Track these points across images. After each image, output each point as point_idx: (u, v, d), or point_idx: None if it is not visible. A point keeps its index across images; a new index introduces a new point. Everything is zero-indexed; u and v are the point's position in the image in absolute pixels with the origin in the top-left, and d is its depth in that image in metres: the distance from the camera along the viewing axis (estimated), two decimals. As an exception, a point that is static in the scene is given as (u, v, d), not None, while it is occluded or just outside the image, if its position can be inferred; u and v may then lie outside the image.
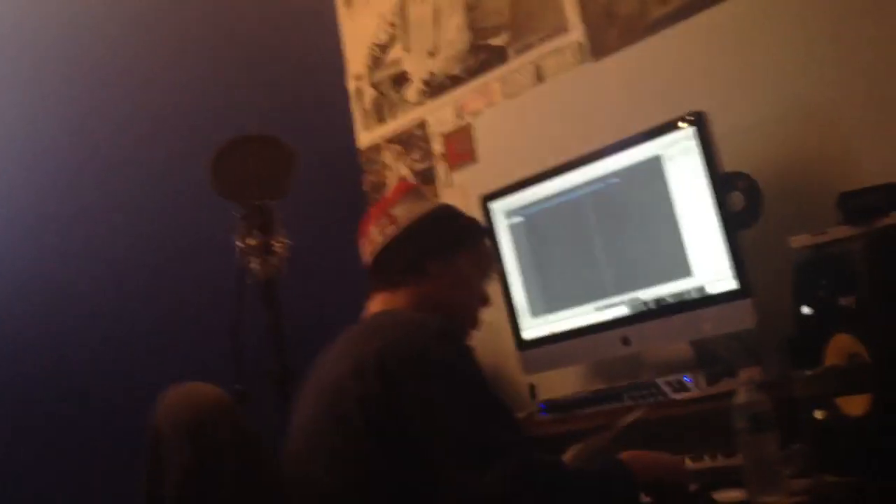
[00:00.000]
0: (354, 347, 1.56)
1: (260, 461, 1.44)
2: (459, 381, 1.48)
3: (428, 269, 1.72)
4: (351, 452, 1.48)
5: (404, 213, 1.77)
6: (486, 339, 2.63)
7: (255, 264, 2.23)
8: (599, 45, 2.58)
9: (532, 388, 2.45)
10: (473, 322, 1.79)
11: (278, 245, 2.27)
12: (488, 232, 1.94)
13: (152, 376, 2.45)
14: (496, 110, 2.86)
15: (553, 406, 2.28)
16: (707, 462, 1.75)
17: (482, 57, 2.89)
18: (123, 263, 2.65)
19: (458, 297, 1.75)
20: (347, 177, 3.25)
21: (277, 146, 2.32)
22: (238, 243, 2.23)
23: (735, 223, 2.03)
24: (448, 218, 1.81)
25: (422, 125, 3.08)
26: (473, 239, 1.82)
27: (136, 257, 2.67)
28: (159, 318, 2.65)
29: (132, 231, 2.68)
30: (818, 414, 1.54)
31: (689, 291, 2.09)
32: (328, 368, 1.59)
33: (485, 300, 1.81)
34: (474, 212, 2.68)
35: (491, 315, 2.57)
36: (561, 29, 2.67)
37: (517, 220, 2.45)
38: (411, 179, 3.10)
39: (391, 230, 1.76)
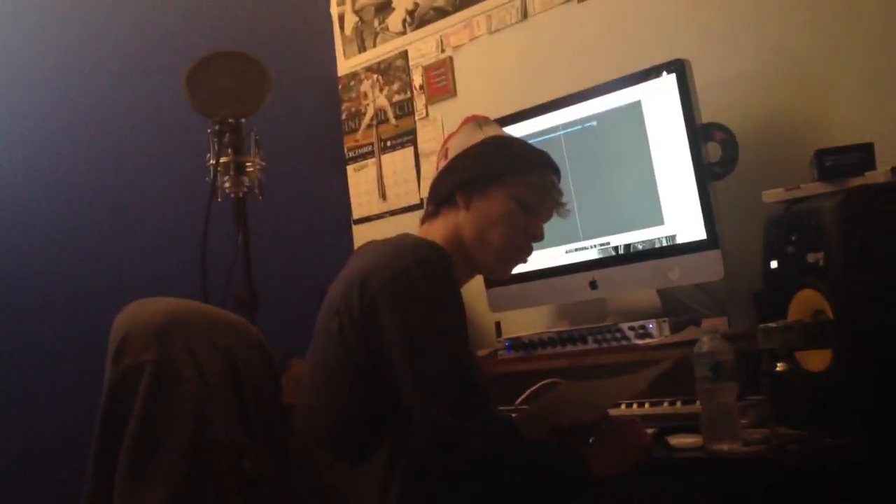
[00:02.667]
0: (348, 270, 1.56)
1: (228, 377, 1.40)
2: (433, 311, 1.47)
3: (458, 200, 1.70)
4: (337, 380, 1.49)
5: (456, 145, 1.77)
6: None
7: (227, 183, 2.21)
8: (586, -15, 2.55)
9: (498, 325, 2.46)
10: (501, 262, 1.71)
11: (251, 165, 2.26)
12: (547, 165, 1.76)
13: (119, 293, 2.46)
14: (478, 45, 2.83)
15: (517, 344, 2.30)
16: (666, 407, 1.77)
17: (468, -11, 2.85)
18: (93, 175, 2.60)
19: (489, 234, 1.68)
20: (325, 103, 3.22)
21: (252, 63, 2.29)
22: (210, 160, 2.21)
23: (709, 174, 2.03)
24: (493, 149, 1.75)
25: (403, 56, 3.04)
26: (519, 171, 1.71)
27: (107, 171, 2.63)
28: (128, 233, 2.62)
29: (105, 144, 2.64)
30: (779, 367, 1.56)
31: (658, 239, 2.10)
32: (331, 290, 1.58)
33: (530, 238, 1.72)
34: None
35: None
36: (549, -34, 2.64)
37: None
38: (389, 109, 3.07)
39: (442, 163, 1.77)
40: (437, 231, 1.71)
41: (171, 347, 1.39)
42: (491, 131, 1.79)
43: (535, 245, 1.74)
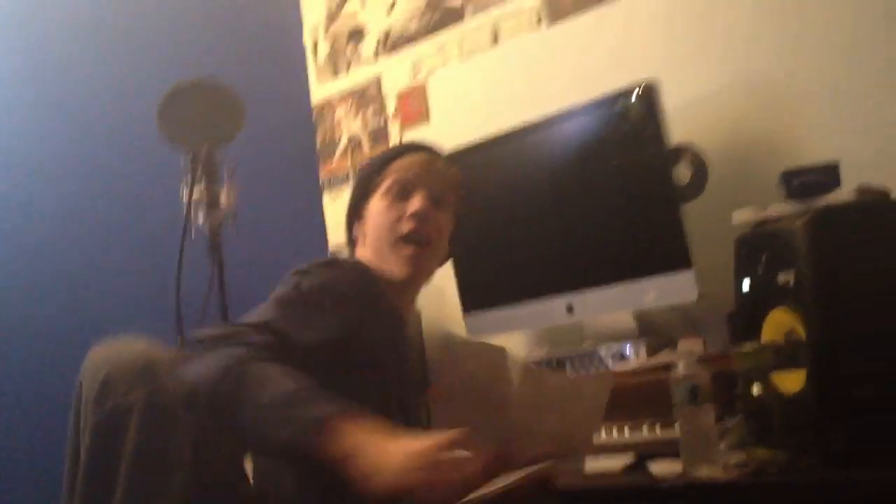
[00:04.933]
0: None
1: (165, 428, 1.37)
2: (294, 293, 1.49)
3: (356, 238, 1.72)
4: None
5: None
6: (432, 302, 2.66)
7: (201, 214, 2.21)
8: (555, 11, 2.57)
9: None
10: (398, 269, 1.62)
11: (225, 196, 2.25)
12: (403, 151, 1.73)
13: (92, 328, 2.44)
14: (451, 70, 2.84)
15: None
16: (645, 432, 1.77)
17: (439, 15, 2.86)
18: (65, 209, 2.59)
19: (370, 245, 1.66)
20: (300, 131, 3.21)
21: (224, 93, 2.29)
22: (184, 191, 2.21)
23: (680, 195, 2.04)
24: (360, 170, 1.78)
25: (376, 82, 3.05)
26: (369, 180, 1.70)
27: (79, 204, 2.61)
28: (101, 266, 2.60)
29: (77, 177, 2.62)
30: (755, 389, 1.57)
31: (632, 261, 2.11)
32: None
33: (410, 219, 1.63)
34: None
35: (437, 277, 2.61)
36: (518, -10, 2.66)
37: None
38: (363, 136, 3.07)
39: None
40: None
41: (159, 385, 1.39)
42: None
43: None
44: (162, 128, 2.24)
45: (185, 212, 2.20)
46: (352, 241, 1.74)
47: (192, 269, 2.17)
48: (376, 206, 1.67)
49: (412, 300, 1.73)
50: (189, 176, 2.23)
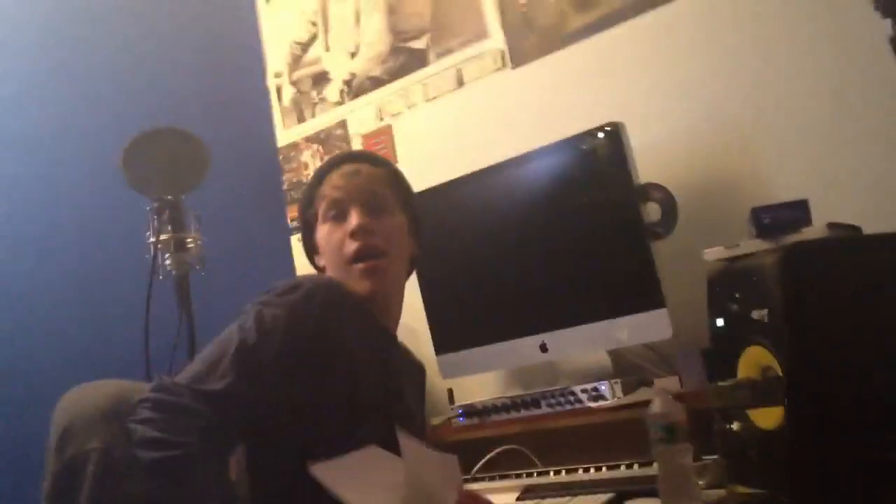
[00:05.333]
0: None
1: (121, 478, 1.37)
2: (247, 327, 1.48)
3: (317, 266, 1.72)
4: None
5: None
6: (406, 342, 2.64)
7: (168, 260, 2.19)
8: (519, 53, 2.60)
9: (450, 392, 2.45)
10: (354, 279, 1.61)
11: (192, 241, 2.24)
12: (324, 170, 1.71)
13: (61, 374, 2.39)
14: (416, 113, 2.85)
15: (471, 411, 2.29)
16: (623, 471, 1.77)
17: (403, 59, 2.88)
18: (31, 257, 2.55)
19: (333, 271, 1.65)
20: (266, 174, 3.20)
21: (189, 140, 2.28)
22: (150, 238, 2.19)
23: (650, 233, 2.06)
24: (298, 212, 1.78)
25: (342, 125, 3.06)
26: (311, 201, 1.70)
27: (44, 251, 2.57)
28: (70, 313, 2.56)
29: (41, 224, 2.58)
30: (732, 426, 1.57)
31: (605, 300, 2.12)
32: None
33: (351, 237, 1.61)
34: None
35: (410, 319, 2.59)
36: (481, 35, 2.68)
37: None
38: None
39: None
40: None
41: (117, 434, 1.37)
42: None
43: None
44: (126, 175, 2.23)
45: (151, 258, 2.18)
46: (320, 272, 1.72)
47: (161, 312, 2.14)
48: (321, 233, 1.67)
49: (392, 317, 1.70)
50: (155, 222, 2.21)
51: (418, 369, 1.84)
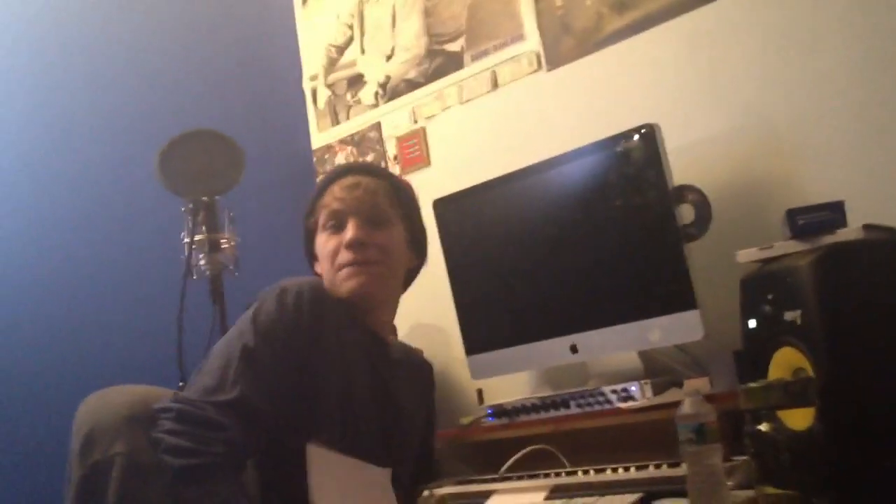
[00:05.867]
0: None
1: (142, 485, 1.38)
2: (246, 331, 1.52)
3: (315, 272, 1.75)
4: None
5: None
6: (436, 343, 2.65)
7: (202, 260, 2.21)
8: (554, 56, 2.59)
9: (480, 392, 2.45)
10: (338, 284, 1.66)
11: (226, 242, 2.26)
12: (327, 181, 1.76)
13: (95, 372, 2.42)
14: (450, 115, 2.86)
15: (500, 411, 2.28)
16: (652, 471, 1.75)
17: (438, 62, 2.89)
18: (67, 256, 2.59)
19: (326, 278, 1.69)
20: (300, 176, 3.22)
21: (225, 142, 2.31)
22: (185, 239, 2.21)
23: (684, 235, 2.05)
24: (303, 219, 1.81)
25: (376, 127, 3.07)
26: (312, 211, 1.74)
27: (80, 250, 2.61)
28: (102, 313, 2.59)
29: (78, 223, 2.63)
30: (762, 427, 1.56)
31: (637, 301, 2.11)
32: None
33: (346, 249, 1.65)
34: (426, 215, 2.69)
35: (441, 320, 2.60)
36: (517, 37, 2.68)
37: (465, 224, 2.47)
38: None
39: None
40: None
41: (140, 439, 1.38)
42: None
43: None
44: (162, 176, 2.25)
45: (185, 258, 2.20)
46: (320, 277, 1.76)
47: (194, 312, 2.17)
48: (319, 241, 1.71)
49: (380, 321, 1.74)
50: (189, 222, 2.23)
51: (420, 368, 1.86)
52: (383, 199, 1.71)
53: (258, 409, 1.46)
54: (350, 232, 1.65)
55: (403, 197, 1.77)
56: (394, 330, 1.86)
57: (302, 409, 1.52)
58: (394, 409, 1.69)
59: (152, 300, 2.49)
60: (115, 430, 1.40)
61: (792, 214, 1.67)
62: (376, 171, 1.81)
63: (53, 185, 2.61)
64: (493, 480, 1.98)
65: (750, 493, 1.55)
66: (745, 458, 1.62)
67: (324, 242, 1.69)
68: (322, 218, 1.70)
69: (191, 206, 2.24)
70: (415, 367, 1.85)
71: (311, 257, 1.76)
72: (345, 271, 1.64)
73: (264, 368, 1.49)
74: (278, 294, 1.57)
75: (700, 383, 1.95)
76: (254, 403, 1.46)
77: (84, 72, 2.76)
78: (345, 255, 1.64)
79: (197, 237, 2.22)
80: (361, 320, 1.68)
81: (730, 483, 1.58)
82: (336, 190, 1.70)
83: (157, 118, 2.77)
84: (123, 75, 2.83)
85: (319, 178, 1.81)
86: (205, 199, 2.24)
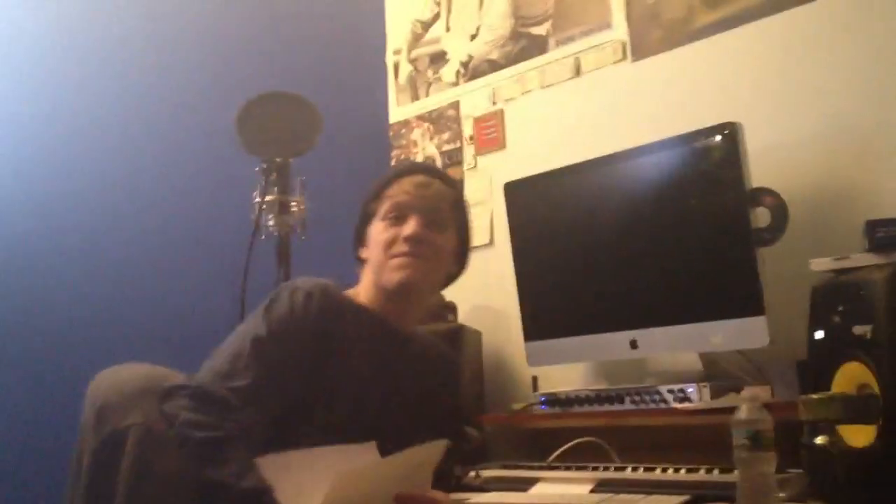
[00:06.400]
0: None
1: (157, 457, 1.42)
2: (258, 323, 1.58)
3: (361, 259, 1.78)
4: None
5: None
6: (494, 326, 2.65)
7: (271, 221, 2.24)
8: (641, 46, 2.55)
9: (535, 379, 2.44)
10: (386, 273, 1.69)
11: (296, 205, 2.28)
12: (395, 174, 1.78)
13: (159, 326, 2.48)
14: (530, 99, 2.83)
15: (553, 400, 2.27)
16: (702, 475, 1.72)
17: (522, 44, 2.87)
18: (139, 210, 2.65)
19: (370, 264, 1.74)
20: (375, 148, 3.23)
21: (304, 106, 2.33)
22: (256, 199, 2.24)
23: (757, 239, 2.00)
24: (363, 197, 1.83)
25: (454, 106, 3.06)
26: (374, 200, 1.77)
27: (156, 202, 2.68)
28: (171, 267, 2.65)
29: (151, 178, 2.68)
30: (820, 440, 1.52)
31: (703, 302, 2.07)
32: None
33: (404, 242, 1.68)
34: (496, 198, 2.68)
35: (503, 304, 2.59)
36: (604, 25, 2.65)
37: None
38: (438, 158, 3.08)
39: None
40: (359, 286, 1.78)
41: (153, 412, 1.42)
42: None
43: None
44: (239, 135, 2.28)
45: (255, 217, 2.23)
46: (360, 262, 1.80)
47: (259, 273, 2.19)
48: (375, 228, 1.74)
49: (407, 318, 1.77)
50: (262, 182, 2.26)
51: (440, 361, 1.87)
52: (446, 206, 1.76)
53: (268, 397, 1.52)
54: (411, 227, 1.69)
55: (462, 208, 1.83)
56: (420, 321, 1.90)
57: (305, 403, 1.57)
58: (400, 397, 1.72)
59: (219, 257, 2.53)
60: (129, 402, 1.44)
61: (871, 226, 1.62)
62: (446, 178, 1.85)
63: (138, 135, 2.67)
64: (540, 468, 1.96)
65: (801, 505, 1.51)
66: (799, 471, 1.58)
67: (380, 231, 1.72)
68: (385, 207, 1.73)
69: (265, 166, 2.26)
70: (435, 360, 1.86)
71: (360, 240, 1.79)
72: (397, 261, 1.68)
73: (273, 360, 1.55)
74: (290, 293, 1.63)
75: (760, 390, 1.91)
76: (264, 392, 1.51)
77: (178, 30, 2.83)
78: (400, 247, 1.68)
79: (268, 198, 2.25)
80: (383, 317, 1.72)
81: (781, 495, 1.55)
82: (406, 184, 1.74)
83: (241, 78, 2.81)
84: (211, 34, 2.89)
85: (391, 168, 1.82)
86: (279, 160, 2.26)
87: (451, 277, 1.84)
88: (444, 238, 1.74)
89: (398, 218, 1.71)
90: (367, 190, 1.81)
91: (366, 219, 1.77)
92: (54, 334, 2.45)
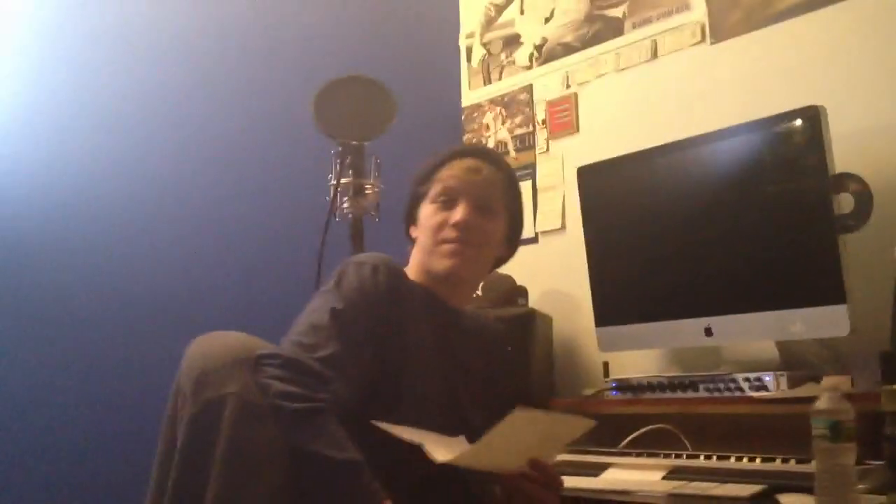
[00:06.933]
0: None
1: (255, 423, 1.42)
2: (331, 297, 1.58)
3: (411, 237, 1.80)
4: None
5: None
6: (566, 311, 2.64)
7: (346, 203, 2.25)
8: (720, 28, 2.50)
9: (606, 365, 2.42)
10: (434, 257, 1.70)
11: (370, 188, 2.29)
12: (449, 156, 1.78)
13: (234, 305, 2.53)
14: (605, 82, 2.80)
15: (625, 386, 2.25)
16: (778, 464, 1.70)
17: (597, 27, 2.84)
18: (216, 190, 2.70)
19: (419, 246, 1.74)
20: (448, 132, 3.24)
21: (378, 89, 2.34)
22: (332, 181, 2.26)
23: (841, 226, 1.96)
24: (411, 183, 1.83)
25: (527, 90, 3.05)
26: (425, 180, 1.76)
27: (234, 183, 2.73)
28: (247, 248, 2.70)
29: (228, 159, 2.73)
30: (903, 431, 1.48)
31: (782, 290, 2.03)
32: None
33: (453, 228, 1.68)
34: (569, 182, 2.67)
35: (574, 289, 2.58)
36: (682, 7, 2.60)
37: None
38: (510, 142, 3.07)
39: None
40: (408, 266, 1.78)
41: (249, 381, 1.43)
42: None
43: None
44: (316, 118, 2.30)
45: (330, 199, 2.25)
46: (411, 241, 1.81)
47: (335, 256, 2.21)
48: (425, 210, 1.74)
49: (460, 298, 1.79)
50: (338, 165, 2.28)
51: (490, 332, 1.86)
52: (497, 191, 1.75)
53: (353, 367, 1.52)
54: (460, 213, 1.69)
55: (514, 192, 1.82)
56: (470, 300, 1.92)
57: (383, 376, 1.58)
58: (462, 372, 1.72)
59: (295, 239, 2.56)
60: (226, 371, 1.44)
61: (960, 214, 1.57)
62: (497, 161, 1.83)
63: (215, 119, 2.72)
64: (612, 454, 1.95)
65: (882, 499, 1.47)
66: (880, 462, 1.54)
67: (430, 214, 1.72)
68: (436, 189, 1.73)
69: (340, 149, 2.28)
70: (486, 332, 1.85)
71: (410, 220, 1.81)
72: (446, 247, 1.69)
73: (353, 331, 1.55)
74: (357, 266, 1.63)
75: (840, 381, 1.86)
76: (349, 362, 1.52)
77: (258, 14, 2.87)
78: (449, 233, 1.69)
79: (343, 180, 2.26)
80: (435, 293, 1.72)
81: (861, 486, 1.51)
82: (456, 168, 1.74)
83: (318, 61, 2.83)
84: (290, 18, 2.92)
85: (443, 150, 1.81)
86: (354, 143, 2.28)
87: (500, 261, 1.85)
88: (493, 224, 1.74)
89: (447, 202, 1.71)
90: (418, 171, 1.81)
91: (416, 199, 1.78)
92: (145, 308, 2.53)
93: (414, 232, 1.79)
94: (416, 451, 1.49)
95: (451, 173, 1.73)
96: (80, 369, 2.44)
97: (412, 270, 1.76)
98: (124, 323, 2.51)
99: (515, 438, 1.48)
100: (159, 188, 2.63)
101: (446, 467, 1.44)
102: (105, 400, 2.43)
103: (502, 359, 1.87)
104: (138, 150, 2.62)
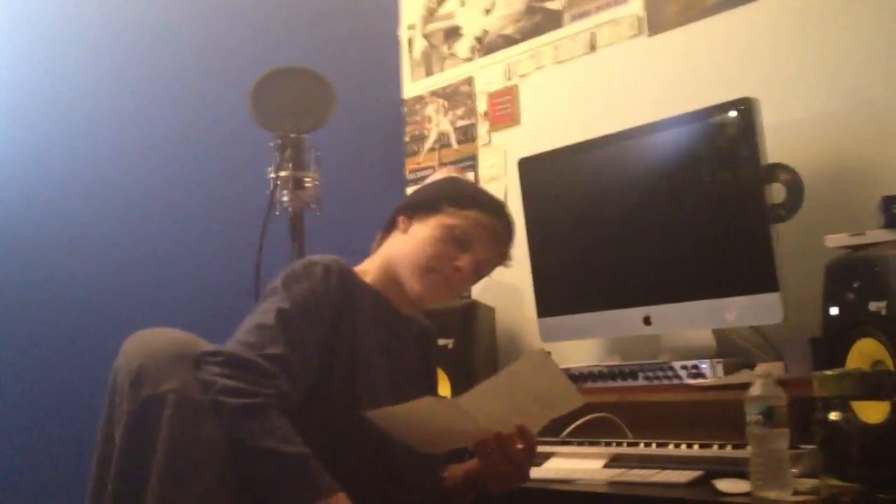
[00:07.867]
0: None
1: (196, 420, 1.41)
2: (278, 298, 1.57)
3: (399, 222, 1.77)
4: None
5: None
6: (508, 302, 2.65)
7: (285, 196, 2.24)
8: (657, 21, 2.53)
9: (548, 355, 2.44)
10: (420, 283, 1.71)
11: (310, 181, 2.28)
12: (493, 210, 1.77)
13: (173, 301, 2.50)
14: (544, 74, 2.82)
15: (566, 375, 2.26)
16: (715, 450, 1.73)
17: (537, 19, 2.85)
18: (152, 184, 2.67)
19: (416, 253, 1.72)
20: (389, 124, 3.23)
21: (317, 80, 2.33)
22: (271, 174, 2.24)
23: (772, 215, 1.99)
24: (443, 183, 1.85)
25: (469, 82, 3.05)
26: (459, 204, 1.73)
27: (172, 177, 2.69)
28: (184, 242, 2.66)
29: (164, 152, 2.69)
30: (833, 416, 1.52)
31: (717, 279, 2.07)
32: None
33: (455, 270, 1.70)
34: (511, 174, 2.68)
35: (516, 280, 2.60)
36: (620, 0, 2.63)
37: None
38: (452, 134, 3.07)
39: None
40: (374, 257, 1.79)
41: (188, 378, 1.42)
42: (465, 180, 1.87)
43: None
44: (254, 110, 2.28)
45: (269, 192, 2.23)
46: (390, 225, 1.80)
47: (273, 248, 2.20)
48: (434, 226, 1.72)
49: (415, 310, 1.82)
50: (277, 158, 2.26)
51: (424, 333, 1.87)
52: (498, 260, 1.81)
53: (297, 366, 1.51)
54: (464, 262, 1.70)
55: (508, 255, 1.85)
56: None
57: (335, 377, 1.58)
58: (403, 373, 1.73)
59: (234, 231, 2.54)
60: (165, 367, 1.42)
61: (888, 202, 1.62)
62: (511, 239, 1.83)
63: (151, 111, 2.68)
64: (553, 443, 1.98)
65: (814, 482, 1.51)
66: (812, 446, 1.58)
67: (437, 238, 1.71)
68: (457, 221, 1.72)
69: (279, 141, 2.26)
70: (423, 334, 1.86)
71: (411, 211, 1.77)
72: (435, 277, 1.70)
73: (299, 332, 1.54)
74: (308, 266, 1.63)
75: (773, 367, 1.90)
76: (294, 360, 1.51)
77: (191, 6, 2.82)
78: (448, 270, 1.70)
79: (282, 173, 2.25)
80: (388, 299, 1.74)
81: (794, 470, 1.55)
82: (486, 220, 1.74)
83: (254, 53, 2.80)
84: (225, 10, 2.88)
85: (491, 196, 1.85)
86: (293, 135, 2.26)
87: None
88: (474, 281, 1.83)
89: (459, 244, 1.71)
90: (454, 186, 1.84)
91: (434, 208, 1.74)
92: (80, 307, 2.48)
93: (405, 224, 1.76)
94: (373, 445, 1.54)
95: (480, 221, 1.73)
96: (6, 368, 2.39)
97: (373, 264, 1.76)
98: (55, 319, 2.45)
99: (519, 386, 1.51)
100: (90, 181, 2.56)
101: (405, 461, 1.50)
102: (40, 398, 2.39)
103: (429, 350, 1.89)
104: (68, 144, 2.56)
